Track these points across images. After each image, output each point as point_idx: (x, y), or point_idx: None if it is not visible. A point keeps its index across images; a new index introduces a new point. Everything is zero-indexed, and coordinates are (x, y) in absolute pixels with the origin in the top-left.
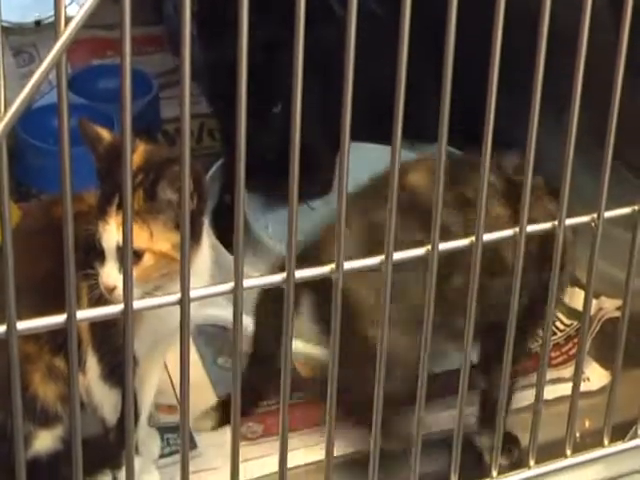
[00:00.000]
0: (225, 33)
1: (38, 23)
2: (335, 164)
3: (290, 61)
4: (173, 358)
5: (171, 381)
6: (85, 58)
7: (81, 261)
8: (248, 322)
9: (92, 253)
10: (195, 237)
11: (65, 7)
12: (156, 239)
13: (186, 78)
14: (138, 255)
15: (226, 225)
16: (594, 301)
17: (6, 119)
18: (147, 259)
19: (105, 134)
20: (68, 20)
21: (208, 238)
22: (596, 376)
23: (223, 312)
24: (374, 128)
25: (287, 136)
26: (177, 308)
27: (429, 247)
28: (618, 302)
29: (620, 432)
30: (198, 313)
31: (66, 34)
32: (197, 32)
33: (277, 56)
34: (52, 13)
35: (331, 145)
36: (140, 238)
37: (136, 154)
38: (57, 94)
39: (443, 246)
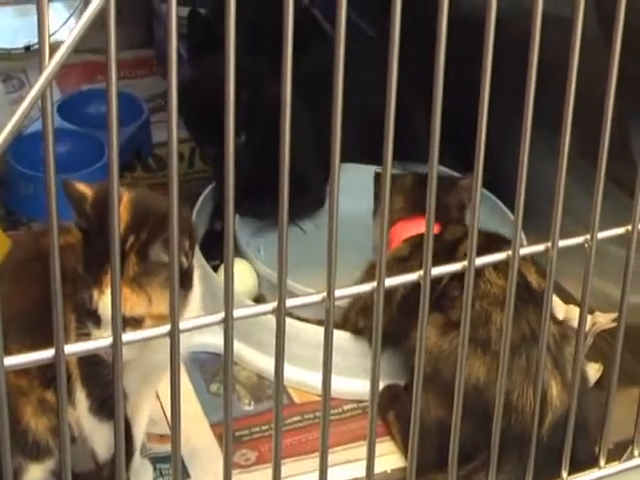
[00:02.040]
0: (212, 56)
1: (28, 48)
2: (326, 184)
3: (259, 86)
4: (165, 387)
5: (163, 410)
6: (75, 82)
7: (70, 293)
8: (239, 348)
9: (85, 314)
10: (187, 286)
11: (49, 37)
12: (154, 302)
13: (172, 110)
14: (138, 321)
15: (217, 251)
16: (589, 316)
17: None
18: (147, 324)
19: (88, 191)
20: (55, 47)
21: (198, 269)
22: (590, 370)
23: (216, 339)
24: (366, 149)
25: (253, 165)
26: (167, 340)
27: (421, 272)
28: (612, 316)
29: (616, 452)
30: (190, 341)
31: (51, 66)
32: (187, 55)
33: (248, 81)
34: None
35: (322, 165)
36: (138, 305)
37: (122, 207)
38: (43, 127)
39: (435, 271)
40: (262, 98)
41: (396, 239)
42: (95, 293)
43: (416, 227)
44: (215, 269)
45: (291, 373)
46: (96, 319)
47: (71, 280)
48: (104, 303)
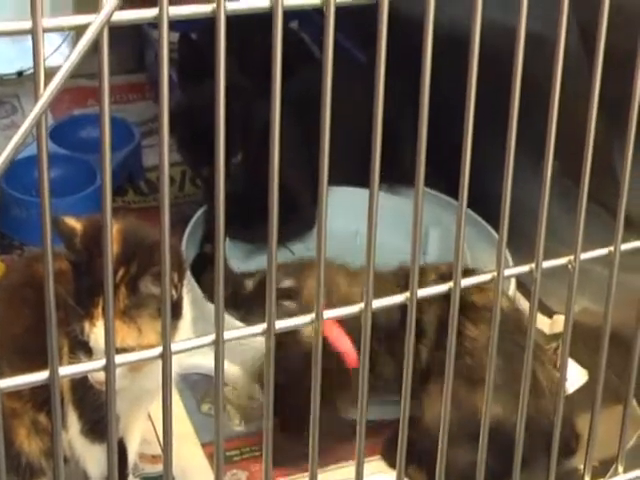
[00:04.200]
0: (203, 80)
1: (20, 74)
2: (314, 206)
3: (254, 108)
4: (157, 407)
5: (155, 431)
6: (66, 108)
7: (62, 318)
8: (231, 370)
9: (77, 344)
10: (177, 315)
11: (45, 61)
12: (144, 334)
13: (164, 134)
14: (129, 352)
15: (207, 275)
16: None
17: None
18: None
19: (77, 225)
20: (48, 73)
21: (188, 294)
22: (573, 373)
23: (206, 360)
24: (353, 172)
25: (248, 185)
26: (158, 366)
27: (408, 294)
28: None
29: (602, 470)
30: (182, 362)
31: (46, 95)
32: (178, 79)
33: (239, 103)
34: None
35: (311, 188)
36: (129, 337)
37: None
38: (37, 154)
39: (422, 292)
40: (254, 118)
41: None
42: (86, 325)
43: None
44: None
45: None
46: (87, 350)
47: (63, 306)
48: (95, 336)
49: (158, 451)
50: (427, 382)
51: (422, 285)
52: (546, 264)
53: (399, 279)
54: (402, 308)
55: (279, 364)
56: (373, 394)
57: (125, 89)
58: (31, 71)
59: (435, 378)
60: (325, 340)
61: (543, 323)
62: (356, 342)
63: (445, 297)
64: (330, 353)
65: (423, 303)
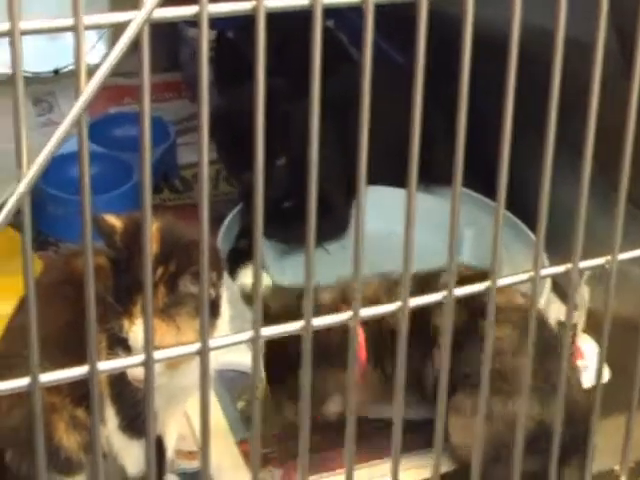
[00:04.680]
0: (241, 80)
1: (57, 72)
2: (351, 205)
3: (295, 109)
4: (192, 403)
5: (191, 427)
6: (103, 106)
7: (101, 314)
8: None
9: (115, 340)
10: (214, 314)
11: (86, 62)
12: (183, 332)
13: (204, 140)
14: None
15: (239, 268)
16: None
17: (28, 177)
18: None
19: (117, 223)
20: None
21: (225, 293)
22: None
23: (243, 357)
24: (388, 172)
25: (294, 189)
26: (195, 363)
27: (445, 293)
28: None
29: (637, 470)
30: (218, 359)
31: (87, 92)
32: (215, 80)
33: (281, 105)
34: (71, 62)
35: (347, 188)
36: (168, 335)
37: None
38: (78, 153)
39: (458, 292)
40: (296, 120)
41: None
42: (125, 323)
43: None
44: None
45: None
46: (126, 347)
47: (102, 302)
48: (135, 334)
49: (194, 447)
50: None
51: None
52: (583, 264)
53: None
54: (414, 311)
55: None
56: (387, 395)
57: (160, 88)
58: (67, 69)
59: (460, 388)
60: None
61: (561, 313)
62: (369, 341)
63: (459, 302)
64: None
65: (435, 308)
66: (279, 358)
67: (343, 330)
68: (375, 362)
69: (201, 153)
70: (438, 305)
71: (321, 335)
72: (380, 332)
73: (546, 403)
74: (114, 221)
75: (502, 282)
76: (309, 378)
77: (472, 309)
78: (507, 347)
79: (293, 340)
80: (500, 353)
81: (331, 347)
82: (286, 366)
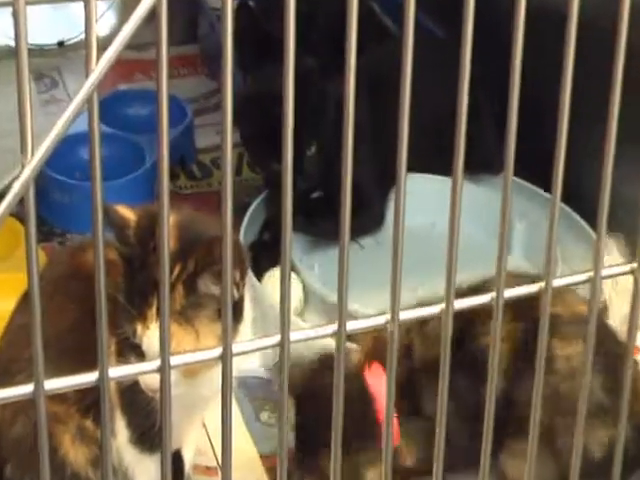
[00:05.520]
0: (265, 58)
1: (61, 44)
2: (387, 197)
3: (327, 92)
4: (211, 415)
5: (210, 440)
6: (111, 82)
7: (110, 316)
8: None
9: (126, 346)
10: (237, 317)
11: (97, 33)
12: (202, 337)
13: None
14: None
15: (263, 262)
16: None
17: (33, 163)
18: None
19: (131, 215)
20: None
21: (248, 291)
22: None
23: (266, 362)
24: (428, 158)
25: (324, 180)
26: (214, 373)
27: (494, 294)
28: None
29: None
30: (239, 365)
31: (99, 69)
32: (238, 57)
33: (311, 87)
34: (77, 33)
35: (382, 178)
36: (186, 340)
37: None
38: (89, 136)
39: (509, 293)
40: (326, 104)
41: None
42: (139, 328)
43: None
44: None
45: None
46: (139, 353)
47: (112, 302)
48: (149, 339)
49: (213, 462)
50: (505, 434)
51: None
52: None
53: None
54: (456, 337)
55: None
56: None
57: (176, 62)
58: (73, 41)
59: (516, 428)
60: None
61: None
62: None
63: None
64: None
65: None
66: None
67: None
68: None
69: (225, 135)
70: (485, 325)
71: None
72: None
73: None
74: (127, 213)
75: (558, 282)
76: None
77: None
78: (577, 365)
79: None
80: (570, 375)
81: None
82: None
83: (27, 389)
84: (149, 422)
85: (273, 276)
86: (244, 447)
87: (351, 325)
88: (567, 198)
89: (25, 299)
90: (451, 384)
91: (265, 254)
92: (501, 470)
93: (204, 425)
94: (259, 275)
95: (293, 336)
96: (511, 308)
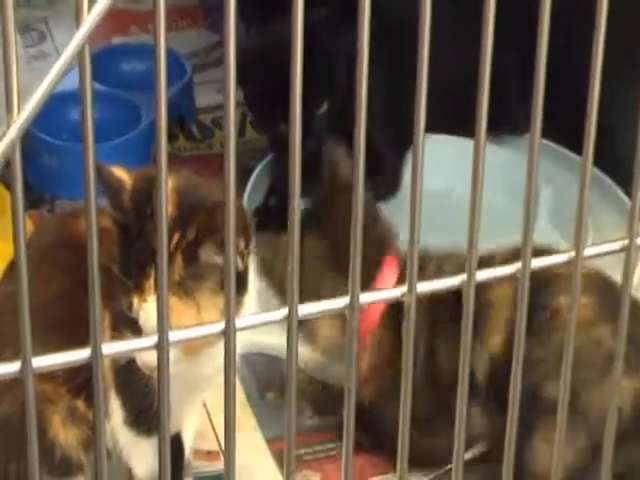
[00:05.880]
0: (270, 9)
1: None
2: (402, 160)
3: (339, 47)
4: (213, 395)
5: (211, 423)
6: (104, 36)
7: (103, 288)
8: (302, 351)
9: (122, 320)
10: (241, 290)
11: None
12: (204, 311)
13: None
14: None
15: (269, 229)
16: None
17: (20, 122)
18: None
19: (126, 178)
20: None
21: (253, 262)
22: None
23: (272, 339)
24: (447, 117)
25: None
26: (216, 350)
27: (519, 265)
28: None
29: None
30: (242, 340)
31: (90, 20)
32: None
33: (322, 42)
34: None
35: (397, 137)
36: (186, 315)
37: None
38: (80, 93)
39: (535, 263)
40: (337, 59)
41: None
42: (135, 301)
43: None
44: None
45: None
46: (136, 329)
47: (105, 273)
48: (146, 313)
49: (215, 446)
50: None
51: None
52: None
53: None
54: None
55: None
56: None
57: (173, 13)
58: None
59: (543, 416)
60: None
61: None
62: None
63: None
64: None
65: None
66: None
67: None
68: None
69: (227, 93)
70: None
71: None
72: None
73: None
74: (123, 176)
75: (589, 252)
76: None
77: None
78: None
79: None
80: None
81: None
82: None
83: (14, 367)
84: (146, 403)
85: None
86: (248, 430)
87: (365, 297)
88: (598, 160)
89: (10, 270)
90: None
91: (271, 219)
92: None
93: (205, 406)
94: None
95: (302, 309)
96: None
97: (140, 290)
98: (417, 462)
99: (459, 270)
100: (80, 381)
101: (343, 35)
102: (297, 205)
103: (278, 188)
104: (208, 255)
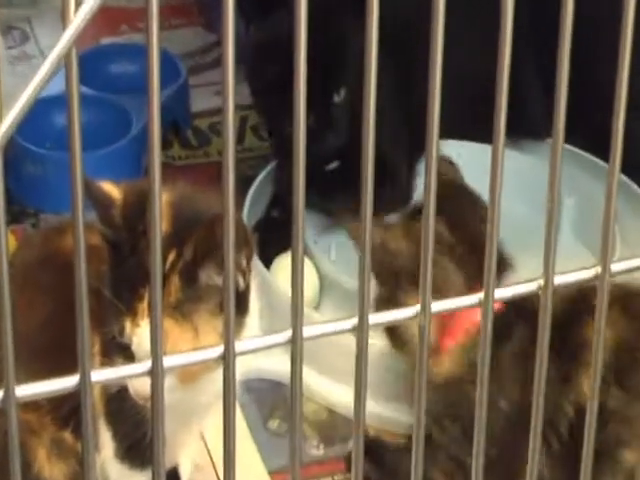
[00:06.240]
0: (271, 2)
1: None
2: (414, 169)
3: (357, 33)
4: (211, 425)
5: (209, 453)
6: (93, 36)
7: (92, 310)
8: (306, 375)
9: (113, 346)
10: (243, 310)
11: None
12: (201, 335)
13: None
14: None
15: (271, 243)
16: None
17: (2, 129)
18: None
19: (116, 193)
20: None
21: (255, 279)
22: None
23: (275, 364)
24: (463, 122)
25: (352, 133)
26: (213, 377)
27: (541, 281)
28: None
29: None
30: (244, 366)
31: (77, 20)
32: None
33: (340, 26)
34: None
35: (406, 150)
36: (183, 340)
37: None
38: (67, 97)
39: (558, 280)
40: (350, 44)
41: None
42: (128, 325)
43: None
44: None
45: (371, 406)
46: (128, 355)
47: (94, 294)
48: (139, 338)
49: (213, 478)
50: None
51: None
52: None
53: None
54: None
55: None
56: None
57: (167, 11)
58: None
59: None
60: None
61: None
62: None
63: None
64: None
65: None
66: None
67: None
68: None
69: (226, 95)
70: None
71: None
72: None
73: None
74: (112, 191)
75: (616, 267)
76: None
77: None
78: None
79: None
80: None
81: None
82: None
83: None
84: (139, 434)
85: (283, 261)
86: (249, 461)
87: (374, 318)
88: (624, 167)
89: None
90: None
91: (273, 235)
92: None
93: (203, 437)
94: (267, 260)
95: (307, 332)
96: None
97: (133, 313)
98: None
99: None
100: (67, 411)
101: (354, 15)
102: (301, 216)
103: (281, 199)
104: (208, 276)
